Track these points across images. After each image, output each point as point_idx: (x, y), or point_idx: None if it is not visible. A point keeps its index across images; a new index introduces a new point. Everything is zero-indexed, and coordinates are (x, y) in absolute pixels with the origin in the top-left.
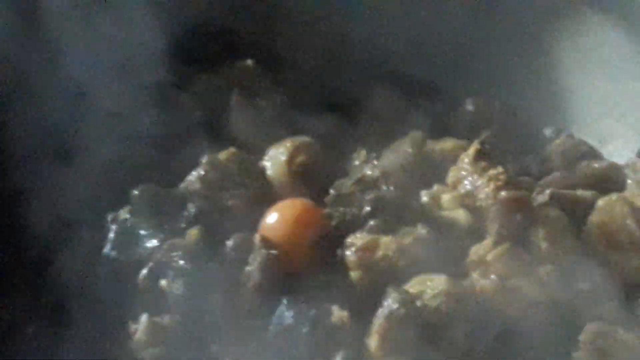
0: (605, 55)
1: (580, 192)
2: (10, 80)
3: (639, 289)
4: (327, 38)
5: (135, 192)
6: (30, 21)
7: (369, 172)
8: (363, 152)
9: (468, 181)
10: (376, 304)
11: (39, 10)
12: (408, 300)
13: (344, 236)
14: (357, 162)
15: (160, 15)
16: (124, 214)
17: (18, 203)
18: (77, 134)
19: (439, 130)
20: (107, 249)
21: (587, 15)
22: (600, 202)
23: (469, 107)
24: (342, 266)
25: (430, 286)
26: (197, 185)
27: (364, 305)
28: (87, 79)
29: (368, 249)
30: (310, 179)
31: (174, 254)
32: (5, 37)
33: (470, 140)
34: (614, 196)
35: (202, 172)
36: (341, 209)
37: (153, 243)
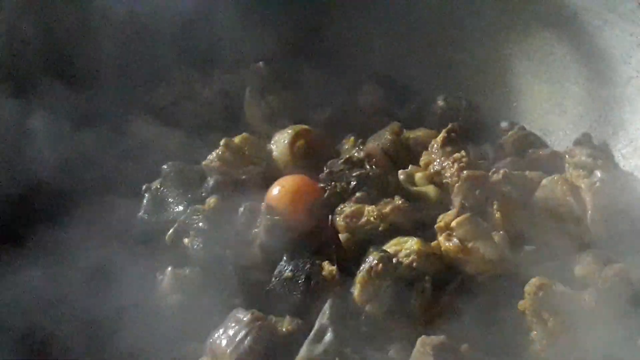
0: (550, 63)
1: (528, 173)
2: None
3: (573, 251)
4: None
5: (165, 167)
6: None
7: (355, 154)
8: (352, 139)
9: (437, 163)
10: (359, 260)
11: None
12: (385, 258)
13: (334, 205)
14: (346, 147)
15: None
16: (155, 184)
17: (74, 173)
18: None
19: (415, 122)
20: (141, 212)
21: (536, 31)
22: (544, 181)
23: (440, 103)
24: (332, 229)
25: (404, 247)
26: (216, 163)
27: (349, 262)
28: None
29: (354, 215)
30: (307, 159)
31: (195, 217)
32: None
33: (439, 130)
34: (555, 176)
35: (220, 152)
36: (333, 183)
37: (178, 208)
